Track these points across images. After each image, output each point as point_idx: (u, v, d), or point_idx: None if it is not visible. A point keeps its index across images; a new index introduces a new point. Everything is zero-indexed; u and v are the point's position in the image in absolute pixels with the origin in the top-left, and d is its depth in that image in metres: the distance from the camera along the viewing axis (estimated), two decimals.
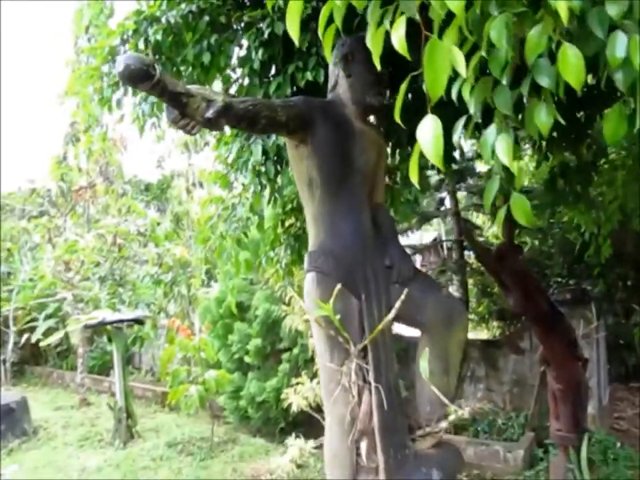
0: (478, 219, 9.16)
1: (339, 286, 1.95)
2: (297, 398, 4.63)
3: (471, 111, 1.30)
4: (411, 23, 1.22)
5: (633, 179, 3.71)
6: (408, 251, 6.72)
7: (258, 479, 4.86)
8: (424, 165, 3.24)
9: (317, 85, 2.58)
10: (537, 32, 1.14)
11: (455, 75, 1.24)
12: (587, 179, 3.49)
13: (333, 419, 2.10)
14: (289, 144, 2.28)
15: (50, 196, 11.00)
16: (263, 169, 3.02)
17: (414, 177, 1.29)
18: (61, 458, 5.86)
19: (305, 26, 2.19)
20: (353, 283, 2.08)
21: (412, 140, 2.12)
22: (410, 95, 2.57)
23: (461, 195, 7.84)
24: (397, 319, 2.14)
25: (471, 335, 7.30)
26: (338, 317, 1.93)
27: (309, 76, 2.58)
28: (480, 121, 1.39)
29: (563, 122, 1.23)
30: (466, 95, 1.28)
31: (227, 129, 3.01)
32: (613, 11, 1.15)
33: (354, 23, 2.14)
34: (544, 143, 3.37)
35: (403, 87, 1.27)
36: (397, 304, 1.96)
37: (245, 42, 2.85)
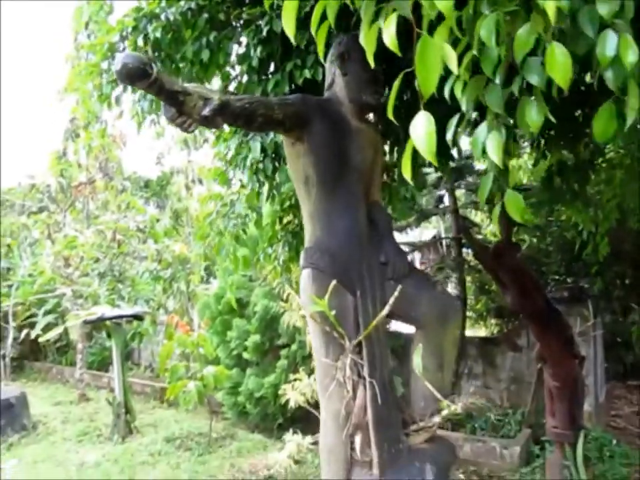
0: (476, 216, 9.15)
1: (334, 282, 1.98)
2: (294, 394, 4.63)
3: (463, 108, 1.31)
4: (406, 20, 1.24)
5: (631, 177, 3.72)
6: (407, 248, 6.77)
7: (256, 475, 4.89)
8: (421, 163, 3.25)
9: (315, 82, 2.59)
10: (526, 31, 1.15)
11: (448, 73, 1.26)
12: (584, 177, 3.50)
13: (328, 414, 2.12)
14: (285, 141, 2.29)
15: (49, 192, 11.00)
16: (261, 166, 3.03)
17: (407, 174, 1.31)
18: (59, 453, 5.88)
19: (303, 24, 2.20)
20: (348, 280, 2.10)
21: (409, 137, 2.13)
22: (409, 93, 2.59)
23: (459, 192, 7.83)
24: (392, 315, 2.16)
25: (469, 333, 7.31)
26: (333, 312, 1.95)
27: (307, 74, 2.59)
28: (474, 118, 1.41)
29: (553, 120, 1.24)
30: (458, 92, 1.30)
31: (226, 126, 3.03)
32: (603, 10, 1.16)
33: (351, 22, 2.15)
34: (542, 141, 3.39)
35: (396, 84, 1.28)
36: (391, 300, 1.98)
37: (243, 39, 2.86)
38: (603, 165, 3.90)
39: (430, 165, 3.32)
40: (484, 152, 1.27)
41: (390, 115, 1.32)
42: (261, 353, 6.16)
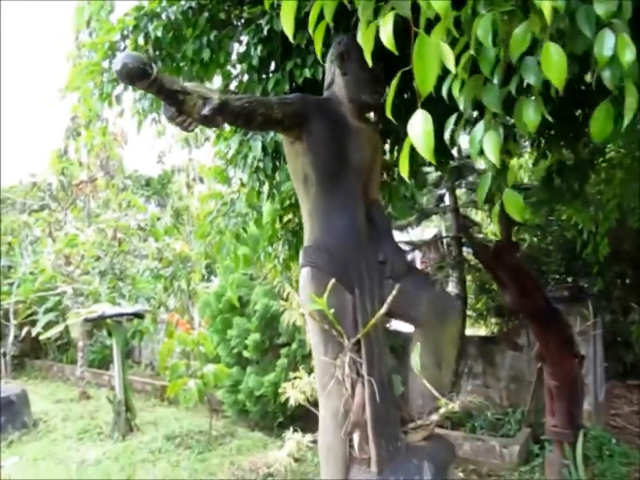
0: (477, 215, 9.15)
1: (332, 281, 1.98)
2: (294, 392, 4.63)
3: (461, 107, 1.32)
4: (405, 20, 1.24)
5: (631, 177, 3.72)
6: (408, 247, 6.77)
7: (256, 472, 4.90)
8: (421, 162, 3.26)
9: (315, 81, 2.59)
10: (522, 30, 1.16)
11: (446, 72, 1.26)
12: (583, 177, 3.51)
13: (327, 412, 2.13)
14: (285, 140, 2.30)
15: (51, 190, 11.02)
16: (261, 164, 3.04)
17: (404, 172, 1.31)
18: (60, 450, 5.90)
19: (303, 23, 2.20)
20: (347, 278, 2.11)
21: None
22: (409, 92, 2.59)
23: (460, 191, 7.82)
24: (390, 314, 2.17)
25: (469, 332, 7.31)
26: (332, 311, 1.96)
27: (307, 73, 2.59)
28: (472, 117, 1.41)
29: (550, 119, 1.24)
30: (456, 92, 1.30)
31: (226, 125, 3.03)
32: (601, 9, 1.16)
33: (350, 22, 2.15)
34: (542, 141, 3.39)
35: (394, 83, 1.29)
36: (389, 298, 1.99)
37: (244, 38, 2.87)
38: (603, 164, 3.91)
39: (430, 164, 3.32)
40: (481, 151, 1.28)
41: (388, 114, 1.33)
42: (261, 351, 6.17)
